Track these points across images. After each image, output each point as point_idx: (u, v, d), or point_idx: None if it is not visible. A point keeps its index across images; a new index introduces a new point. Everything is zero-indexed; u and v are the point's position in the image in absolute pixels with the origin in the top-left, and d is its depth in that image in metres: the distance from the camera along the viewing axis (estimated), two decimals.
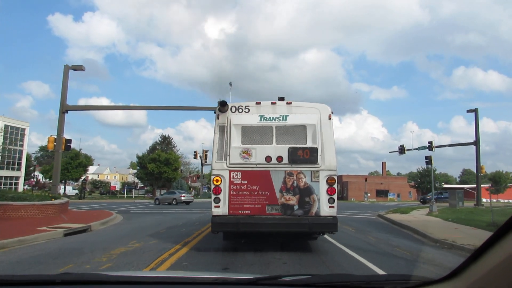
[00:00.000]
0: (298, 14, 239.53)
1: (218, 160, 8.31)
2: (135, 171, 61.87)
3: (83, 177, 58.91)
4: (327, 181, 8.24)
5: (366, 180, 71.18)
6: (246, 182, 8.15)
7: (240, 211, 8.11)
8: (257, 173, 8.19)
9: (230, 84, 31.30)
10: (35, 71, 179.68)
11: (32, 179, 70.69)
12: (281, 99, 8.97)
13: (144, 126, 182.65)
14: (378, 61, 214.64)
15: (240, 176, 8.15)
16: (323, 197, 8.19)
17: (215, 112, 8.71)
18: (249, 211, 8.10)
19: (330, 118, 8.64)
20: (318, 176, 8.22)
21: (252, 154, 8.24)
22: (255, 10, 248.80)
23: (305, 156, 8.22)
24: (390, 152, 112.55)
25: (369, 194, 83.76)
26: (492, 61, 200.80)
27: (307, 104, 8.85)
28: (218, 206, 8.12)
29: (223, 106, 8.46)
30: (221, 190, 8.15)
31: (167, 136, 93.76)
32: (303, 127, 8.46)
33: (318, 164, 8.27)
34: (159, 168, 56.59)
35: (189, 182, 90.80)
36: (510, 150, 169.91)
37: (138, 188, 71.29)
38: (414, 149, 43.27)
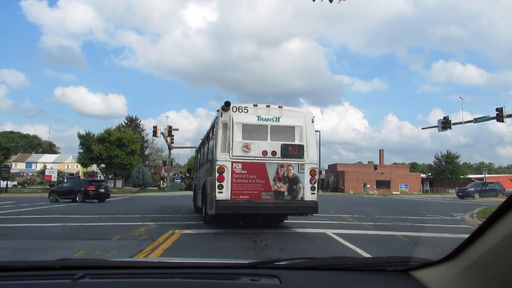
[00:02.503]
0: (280, 2, 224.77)
1: (222, 152, 9.06)
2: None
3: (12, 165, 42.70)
4: (310, 172, 9.48)
5: (375, 169, 57.00)
6: (245, 172, 9.04)
7: (240, 197, 8.97)
8: (255, 165, 9.15)
9: None
10: (8, 59, 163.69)
11: None
12: (268, 105, 9.89)
13: (124, 116, 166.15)
14: (360, 52, 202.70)
15: (241, 167, 9.03)
16: (307, 185, 9.39)
17: (218, 111, 9.50)
18: (248, 197, 9.01)
19: (313, 122, 9.98)
20: (304, 169, 9.39)
21: (251, 148, 9.16)
22: None
23: (294, 151, 9.38)
24: (423, 128, 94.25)
25: (368, 186, 70.01)
26: (470, 55, 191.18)
27: (295, 109, 10.21)
28: (222, 192, 8.86)
29: (227, 106, 9.27)
30: (224, 178, 8.91)
31: (134, 117, 78.13)
32: (292, 128, 9.63)
33: (304, 158, 9.45)
34: (108, 151, 41.14)
35: (163, 172, 75.36)
36: (485, 143, 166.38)
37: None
38: (468, 121, 29.11)
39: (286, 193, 9.23)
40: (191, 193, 20.93)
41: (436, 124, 33.03)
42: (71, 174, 61.92)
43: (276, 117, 9.54)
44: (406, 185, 67.72)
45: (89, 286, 1.53)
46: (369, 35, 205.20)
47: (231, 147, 9.08)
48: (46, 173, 43.60)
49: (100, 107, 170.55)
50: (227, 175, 8.93)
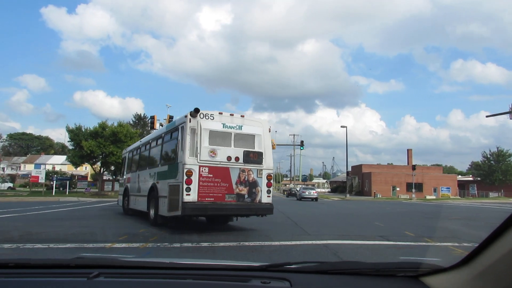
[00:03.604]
0: (295, 2, 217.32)
1: (191, 156, 9.12)
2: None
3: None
4: (267, 177, 9.90)
5: (414, 169, 48.35)
6: (211, 175, 9.20)
7: (206, 199, 9.08)
8: (220, 169, 9.34)
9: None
10: (30, 64, 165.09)
11: None
12: (232, 114, 10.15)
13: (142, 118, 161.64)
14: (376, 53, 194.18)
15: (207, 171, 9.18)
16: (264, 189, 9.79)
17: (185, 116, 9.48)
18: (213, 199, 9.16)
19: (269, 131, 10.45)
20: (262, 174, 9.81)
21: (217, 153, 9.35)
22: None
23: (254, 158, 9.74)
24: (487, 116, 73.22)
25: (398, 189, 61.89)
26: (491, 53, 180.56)
27: (254, 118, 10.59)
28: (189, 194, 8.89)
29: (196, 112, 9.39)
30: (192, 181, 8.96)
31: (142, 115, 71.28)
32: (253, 136, 10.01)
33: (262, 164, 9.86)
34: (102, 147, 34.26)
35: None
36: (508, 144, 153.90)
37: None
38: None
39: (246, 196, 9.59)
40: None
41: (508, 110, 25.49)
42: (74, 176, 55.48)
43: (239, 125, 9.89)
44: (448, 188, 59.25)
45: (103, 284, 1.55)
46: (385, 35, 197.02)
47: (199, 151, 9.23)
48: (33, 174, 37.01)
49: (118, 110, 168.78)
50: (195, 178, 9.06)
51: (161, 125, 32.04)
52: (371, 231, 10.77)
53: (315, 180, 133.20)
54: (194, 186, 8.95)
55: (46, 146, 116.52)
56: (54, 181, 38.29)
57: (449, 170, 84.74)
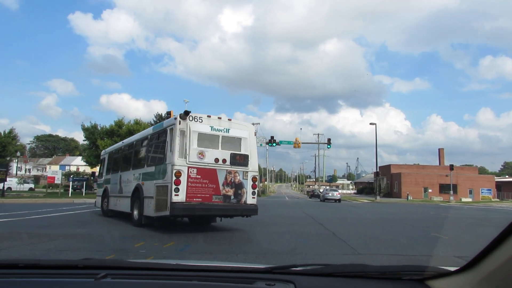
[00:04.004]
0: (317, 2, 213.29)
1: (180, 157, 9.15)
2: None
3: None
4: (252, 179, 10.04)
5: (452, 169, 44.45)
6: (199, 177, 9.24)
7: (194, 199, 9.11)
8: (208, 170, 9.39)
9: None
10: (58, 69, 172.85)
11: None
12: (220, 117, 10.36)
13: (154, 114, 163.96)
14: (400, 51, 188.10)
15: (196, 172, 9.21)
16: (249, 190, 9.94)
17: (175, 118, 9.55)
18: (200, 199, 9.20)
19: (255, 135, 10.92)
20: (247, 175, 9.93)
21: (205, 155, 9.41)
22: (272, 0, 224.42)
23: (241, 160, 9.88)
24: None
25: (430, 190, 57.94)
26: None
27: (241, 122, 10.92)
28: (178, 195, 8.90)
29: (186, 115, 9.46)
30: (181, 182, 8.97)
31: (164, 115, 69.68)
32: (239, 139, 10.15)
33: (248, 167, 9.99)
34: None
35: None
36: None
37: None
38: None
39: (232, 197, 9.66)
40: None
41: None
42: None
43: (226, 129, 10.00)
44: (490, 189, 54.89)
45: (110, 285, 1.57)
46: (410, 33, 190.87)
47: (188, 153, 9.25)
48: (49, 175, 35.43)
49: (143, 112, 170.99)
50: (184, 179, 9.06)
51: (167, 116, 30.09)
52: (442, 249, 8.04)
53: (339, 181, 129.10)
54: (183, 186, 9.01)
55: (71, 147, 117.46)
56: (71, 182, 36.70)
57: (481, 171, 79.59)
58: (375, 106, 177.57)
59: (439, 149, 70.26)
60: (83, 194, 36.20)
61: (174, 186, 8.87)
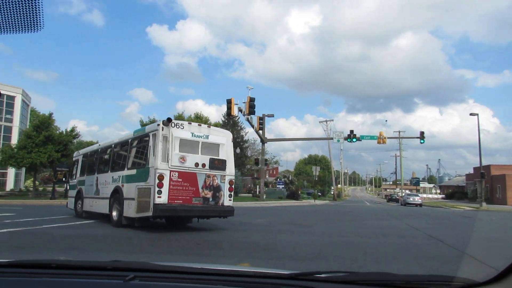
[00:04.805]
0: None
1: (163, 162, 9.50)
2: None
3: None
4: (229, 182, 10.51)
5: None
6: (181, 180, 9.64)
7: (175, 201, 9.51)
8: (188, 174, 9.80)
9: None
10: (139, 79, 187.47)
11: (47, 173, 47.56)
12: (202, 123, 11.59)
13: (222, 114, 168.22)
14: (484, 42, 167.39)
15: (177, 175, 9.60)
16: (226, 193, 10.41)
17: (158, 125, 9.86)
18: (181, 201, 9.60)
19: (232, 141, 11.18)
20: (225, 179, 10.39)
21: (186, 160, 9.77)
22: None
23: (219, 165, 10.33)
24: None
25: None
26: None
27: (219, 129, 11.67)
28: (160, 197, 9.28)
29: (168, 121, 9.83)
30: (163, 185, 9.34)
31: (232, 115, 66.11)
32: (218, 145, 10.58)
33: (225, 171, 10.46)
34: None
35: (267, 177, 62.15)
36: None
37: None
38: None
39: (211, 199, 10.08)
40: (296, 203, 25.13)
41: None
42: None
43: (206, 135, 10.36)
44: None
45: (138, 287, 1.60)
46: (495, 20, 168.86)
47: (170, 158, 9.58)
48: None
49: (216, 117, 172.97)
50: (166, 182, 9.39)
51: (239, 110, 25.59)
52: None
53: (420, 185, 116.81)
54: (165, 189, 9.36)
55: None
56: None
57: None
58: (457, 103, 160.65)
59: None
60: None
61: (157, 189, 9.27)
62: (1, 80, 46.29)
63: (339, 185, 77.90)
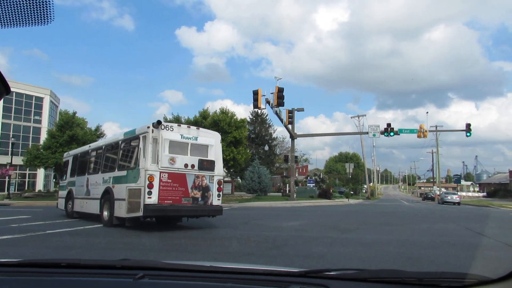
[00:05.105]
0: None
1: (153, 163, 9.67)
2: None
3: None
4: (217, 182, 10.72)
5: None
6: (170, 181, 9.84)
7: (165, 201, 9.70)
8: (178, 175, 9.99)
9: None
10: (170, 81, 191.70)
11: None
12: (192, 125, 12.32)
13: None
14: None
15: (167, 176, 9.78)
16: (215, 193, 10.62)
17: (148, 127, 9.96)
18: (171, 201, 9.82)
19: (220, 142, 11.45)
20: (213, 179, 10.60)
21: (176, 161, 9.95)
22: None
23: (208, 165, 10.52)
24: None
25: None
26: None
27: (208, 131, 11.74)
28: (151, 197, 9.44)
29: (158, 124, 9.99)
30: (153, 186, 9.52)
31: (260, 112, 64.22)
32: (207, 146, 10.83)
33: (214, 171, 10.66)
34: None
35: (296, 175, 59.89)
36: None
37: None
38: None
39: (200, 199, 10.27)
40: (328, 202, 23.95)
41: None
42: None
43: (195, 137, 10.60)
44: None
45: (148, 286, 1.59)
46: None
47: (160, 159, 9.73)
48: None
49: (244, 117, 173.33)
50: (156, 183, 9.55)
51: (267, 101, 23.54)
52: None
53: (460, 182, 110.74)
54: (155, 190, 9.50)
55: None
56: None
57: None
58: (494, 97, 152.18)
59: None
60: None
61: (147, 190, 9.43)
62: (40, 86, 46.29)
63: (370, 183, 74.32)
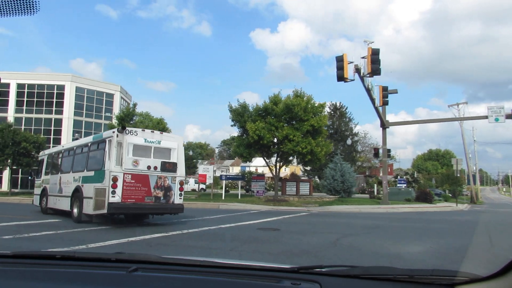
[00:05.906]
0: None
1: (117, 165, 10.34)
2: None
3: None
4: (179, 183, 11.39)
5: None
6: (133, 181, 10.48)
7: (128, 200, 10.38)
8: (141, 176, 10.64)
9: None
10: (246, 83, 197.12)
11: None
12: (154, 131, 12.30)
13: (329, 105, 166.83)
14: None
15: (130, 177, 10.42)
16: (177, 192, 11.29)
17: (113, 132, 10.74)
18: (134, 200, 10.48)
19: (183, 145, 12.30)
20: (175, 180, 11.26)
21: (139, 163, 10.62)
22: None
23: (170, 167, 11.20)
24: None
25: None
26: None
27: (171, 135, 13.34)
28: (114, 196, 10.13)
29: (123, 129, 10.74)
30: (117, 186, 10.18)
31: (339, 105, 57.52)
32: (169, 149, 11.51)
33: (176, 173, 11.34)
34: (273, 130, 22.20)
35: (381, 174, 52.53)
36: None
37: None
38: None
39: (162, 198, 10.92)
40: (431, 208, 20.32)
41: None
42: (260, 175, 45.66)
43: (158, 141, 11.29)
44: None
45: (141, 278, 1.60)
46: None
47: (124, 161, 10.37)
48: (200, 172, 27.97)
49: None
50: (120, 183, 10.19)
51: (356, 69, 17.62)
52: None
53: None
54: (119, 189, 10.18)
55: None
56: (224, 181, 28.51)
57: None
58: None
59: None
60: (239, 197, 27.50)
61: (111, 189, 10.13)
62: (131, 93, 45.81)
63: (473, 186, 63.26)
